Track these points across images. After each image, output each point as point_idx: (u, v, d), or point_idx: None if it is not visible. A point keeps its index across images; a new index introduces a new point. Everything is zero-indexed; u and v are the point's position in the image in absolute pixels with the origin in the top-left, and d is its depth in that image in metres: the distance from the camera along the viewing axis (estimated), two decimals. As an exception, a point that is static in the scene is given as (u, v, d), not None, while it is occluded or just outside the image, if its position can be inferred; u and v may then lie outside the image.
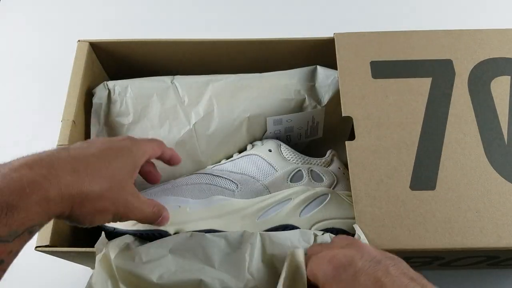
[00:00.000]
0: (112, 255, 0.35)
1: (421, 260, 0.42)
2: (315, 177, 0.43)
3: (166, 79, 0.48)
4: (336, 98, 0.47)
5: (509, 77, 0.44)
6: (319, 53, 0.50)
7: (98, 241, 0.37)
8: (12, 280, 0.48)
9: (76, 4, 0.74)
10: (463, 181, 0.39)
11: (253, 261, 0.36)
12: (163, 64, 0.52)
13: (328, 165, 0.45)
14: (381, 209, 0.38)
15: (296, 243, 0.36)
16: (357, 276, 0.26)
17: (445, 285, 0.49)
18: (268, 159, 0.43)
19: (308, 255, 0.32)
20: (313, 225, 0.40)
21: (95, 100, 0.47)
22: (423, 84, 0.44)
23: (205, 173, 0.42)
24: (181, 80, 0.48)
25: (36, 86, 0.66)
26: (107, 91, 0.47)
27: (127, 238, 0.37)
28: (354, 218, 0.38)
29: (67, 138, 0.42)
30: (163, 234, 0.37)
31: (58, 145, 0.42)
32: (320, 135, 0.52)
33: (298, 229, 0.38)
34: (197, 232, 0.37)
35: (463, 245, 0.36)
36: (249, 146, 0.47)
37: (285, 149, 0.45)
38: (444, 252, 0.38)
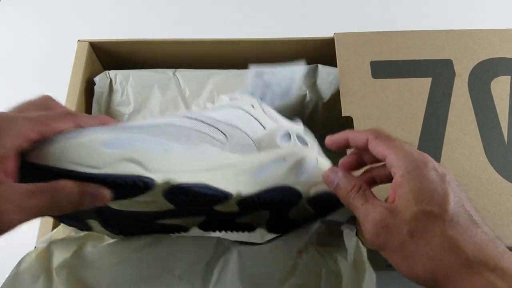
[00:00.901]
0: (55, 256, 0.32)
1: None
2: (301, 141, 0.38)
3: (168, 71, 0.49)
4: (337, 95, 0.47)
5: (509, 77, 0.44)
6: (319, 53, 0.50)
7: (41, 239, 0.34)
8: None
9: (76, 4, 0.74)
10: (463, 181, 0.39)
11: (224, 280, 0.32)
12: (163, 64, 0.52)
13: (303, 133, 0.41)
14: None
15: (282, 260, 0.34)
16: (445, 182, 0.28)
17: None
18: (254, 114, 0.37)
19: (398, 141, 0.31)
20: (312, 186, 0.35)
21: (97, 89, 0.48)
22: (423, 84, 0.44)
23: (189, 117, 0.34)
24: (183, 73, 0.49)
25: (36, 86, 0.65)
26: (109, 80, 0.48)
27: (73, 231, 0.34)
28: None
29: (67, 138, 0.42)
30: (147, 183, 0.27)
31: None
32: (292, 100, 0.48)
33: (281, 242, 0.35)
34: (163, 236, 0.34)
35: (463, 245, 0.36)
36: (224, 98, 0.40)
37: (268, 109, 0.40)
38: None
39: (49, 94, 0.32)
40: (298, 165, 0.35)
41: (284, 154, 0.35)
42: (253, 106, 0.38)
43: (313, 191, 0.35)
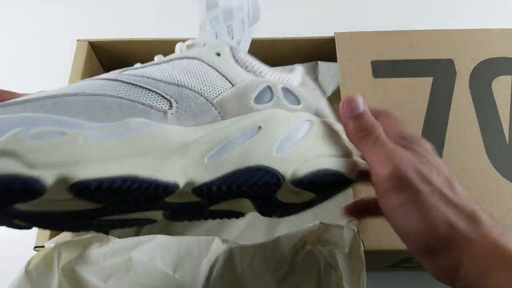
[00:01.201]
0: (62, 256, 0.33)
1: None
2: (290, 98, 0.27)
3: None
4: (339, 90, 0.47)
5: (511, 76, 0.44)
6: (320, 52, 0.50)
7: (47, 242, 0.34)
8: (11, 279, 0.47)
9: (76, 4, 0.73)
10: (464, 181, 0.39)
11: (216, 279, 0.31)
12: (163, 63, 0.52)
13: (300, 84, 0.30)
14: (382, 209, 0.37)
15: (278, 259, 0.33)
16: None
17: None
18: (218, 67, 0.26)
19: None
20: (300, 165, 0.25)
21: None
22: (424, 84, 0.44)
23: (110, 79, 0.24)
24: None
25: (36, 86, 0.65)
26: None
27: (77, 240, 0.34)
28: (350, 156, 0.28)
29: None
30: (30, 185, 0.18)
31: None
32: (259, 18, 0.38)
33: (276, 241, 0.33)
34: (162, 235, 0.34)
35: (465, 245, 0.36)
36: (179, 47, 0.29)
37: (244, 55, 0.28)
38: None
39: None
40: (279, 133, 0.25)
41: (259, 120, 0.25)
42: (218, 54, 0.27)
43: (302, 171, 0.25)
